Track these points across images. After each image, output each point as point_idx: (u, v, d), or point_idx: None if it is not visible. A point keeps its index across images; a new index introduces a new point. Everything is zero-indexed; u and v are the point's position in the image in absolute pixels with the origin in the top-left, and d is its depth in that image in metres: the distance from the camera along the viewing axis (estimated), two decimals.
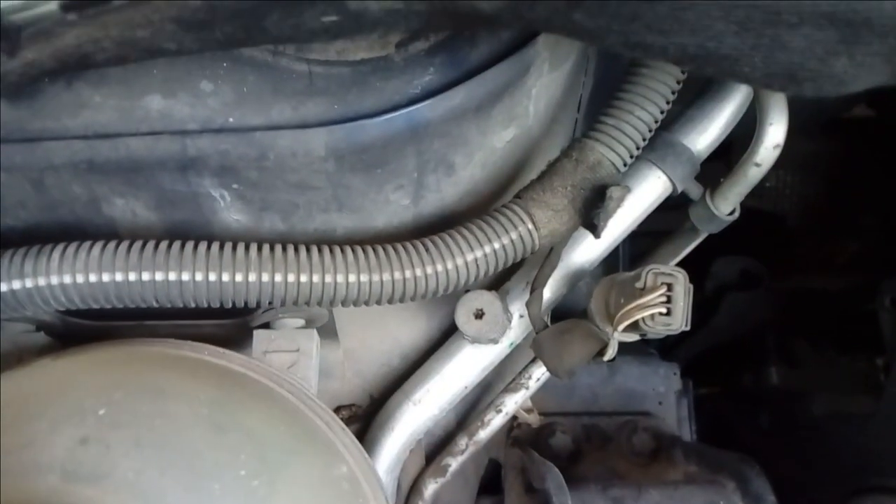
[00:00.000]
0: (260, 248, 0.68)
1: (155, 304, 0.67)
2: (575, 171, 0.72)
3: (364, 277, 0.68)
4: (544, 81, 0.74)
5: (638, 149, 0.73)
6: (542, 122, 0.79)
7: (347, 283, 0.68)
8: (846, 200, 1.31)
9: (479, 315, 0.80)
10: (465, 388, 0.86)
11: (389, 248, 0.70)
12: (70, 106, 0.63)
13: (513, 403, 0.87)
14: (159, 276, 0.65)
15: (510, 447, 0.98)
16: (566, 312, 0.87)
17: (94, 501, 0.53)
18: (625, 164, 0.73)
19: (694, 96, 0.82)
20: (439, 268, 0.69)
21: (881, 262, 1.20)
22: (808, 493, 0.99)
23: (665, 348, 1.20)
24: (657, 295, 0.67)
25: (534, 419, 1.01)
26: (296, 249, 0.68)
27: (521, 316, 0.84)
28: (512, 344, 0.85)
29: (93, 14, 0.48)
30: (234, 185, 0.68)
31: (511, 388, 0.87)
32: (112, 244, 0.66)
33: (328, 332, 0.80)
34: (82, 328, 0.75)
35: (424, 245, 0.70)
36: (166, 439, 0.57)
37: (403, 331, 0.90)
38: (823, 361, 1.23)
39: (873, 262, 1.24)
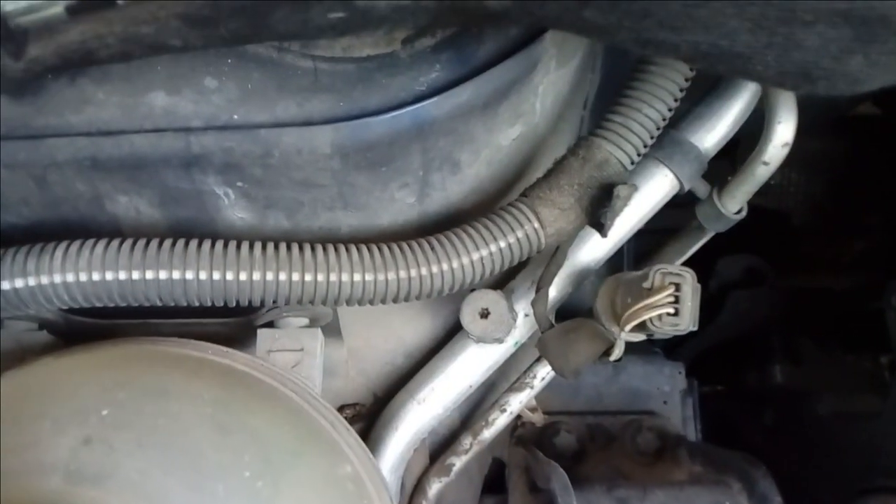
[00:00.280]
0: (264, 247, 0.67)
1: (158, 303, 0.67)
2: (582, 169, 0.71)
3: (369, 276, 0.67)
4: (551, 78, 0.73)
5: (645, 147, 0.73)
6: (549, 120, 0.79)
7: (352, 281, 0.67)
8: (852, 199, 1.30)
9: (485, 314, 0.80)
10: (470, 387, 0.86)
11: (394, 246, 0.69)
12: (73, 102, 0.62)
13: (517, 403, 0.87)
14: (163, 275, 0.65)
15: (514, 446, 0.98)
16: (571, 311, 0.86)
17: (97, 503, 0.52)
18: (632, 163, 0.72)
19: (702, 93, 0.82)
20: (444, 267, 0.69)
21: (886, 260, 1.19)
22: (814, 492, 0.99)
23: (669, 346, 1.19)
24: (665, 295, 0.67)
25: (538, 418, 1.00)
26: (300, 248, 0.68)
27: (527, 315, 0.83)
28: (517, 343, 0.85)
29: (97, 10, 0.47)
30: (239, 183, 0.67)
31: (516, 387, 0.87)
32: (115, 242, 0.66)
33: (332, 330, 0.80)
34: (85, 326, 0.75)
35: (430, 244, 0.69)
36: (170, 440, 0.57)
37: (408, 329, 0.90)
38: (828, 360, 1.23)
39: (878, 260, 1.23)
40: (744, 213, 0.85)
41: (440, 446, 0.93)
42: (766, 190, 0.83)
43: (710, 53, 0.48)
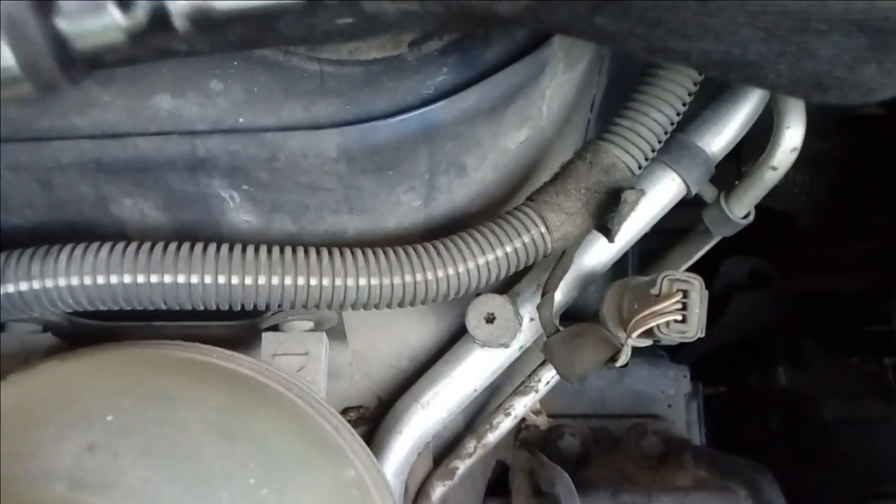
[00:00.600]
0: (269, 251, 0.67)
1: (163, 307, 0.66)
2: (589, 173, 0.70)
3: (374, 281, 0.67)
4: (559, 82, 0.73)
5: (653, 151, 0.72)
6: (556, 123, 0.78)
7: (358, 286, 0.67)
8: (857, 200, 1.29)
9: (490, 319, 0.79)
10: (475, 391, 0.86)
11: (400, 251, 0.69)
12: (78, 105, 0.62)
13: (522, 406, 0.87)
14: (168, 279, 0.64)
15: (518, 449, 0.98)
16: (576, 314, 0.86)
17: None
18: (640, 167, 0.72)
19: (709, 97, 0.81)
20: (450, 271, 0.68)
21: (892, 263, 1.18)
22: (819, 498, 0.98)
23: (673, 348, 1.19)
24: (672, 302, 0.66)
25: (542, 421, 1.00)
26: (306, 252, 0.67)
27: (532, 319, 0.83)
28: (522, 347, 0.84)
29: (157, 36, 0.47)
30: (244, 186, 0.67)
31: (520, 391, 0.86)
32: (120, 246, 0.65)
33: (337, 333, 0.80)
34: (90, 329, 0.75)
35: (436, 248, 0.69)
36: (175, 447, 0.56)
37: (412, 333, 0.89)
38: (832, 363, 1.23)
39: (884, 263, 1.23)
40: (751, 218, 0.84)
41: (444, 450, 0.93)
42: (770, 191, 0.83)
43: (722, 62, 0.47)
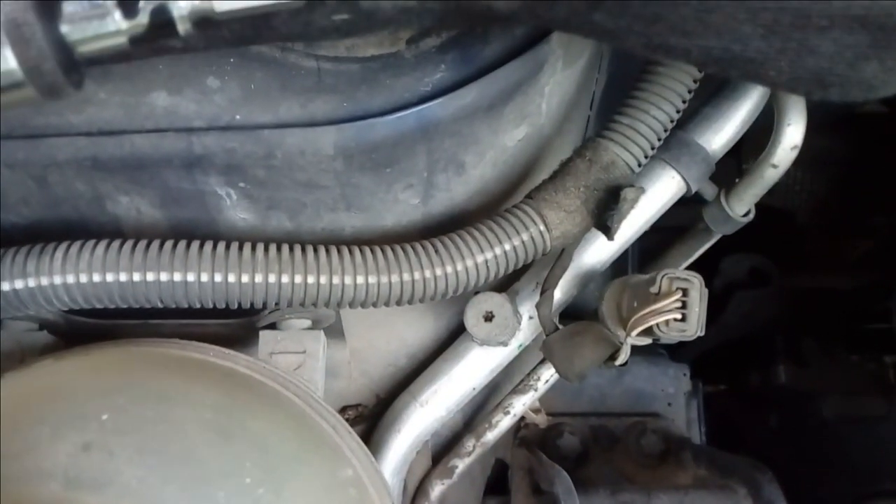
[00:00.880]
0: (266, 249, 0.66)
1: (159, 305, 0.66)
2: (588, 171, 0.70)
3: (372, 279, 0.67)
4: (558, 79, 0.72)
5: (653, 149, 0.72)
6: (555, 121, 0.78)
7: (355, 284, 0.66)
8: (857, 198, 1.29)
9: (489, 318, 0.79)
10: (473, 389, 0.85)
11: (398, 249, 0.68)
12: (74, 102, 0.62)
13: (521, 405, 0.86)
14: (164, 277, 0.64)
15: (517, 447, 0.98)
16: (575, 312, 0.86)
17: None
18: (639, 165, 0.72)
19: (709, 94, 0.81)
20: (449, 269, 0.68)
21: (892, 260, 1.18)
22: (819, 496, 0.98)
23: (672, 346, 1.19)
24: (672, 301, 0.66)
25: (541, 419, 1.00)
26: (303, 250, 0.67)
27: (531, 317, 0.82)
28: (521, 346, 0.84)
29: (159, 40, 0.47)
30: (241, 184, 0.66)
31: (519, 389, 0.86)
32: (116, 243, 0.65)
33: (335, 331, 0.79)
34: (86, 327, 0.74)
35: (434, 246, 0.69)
36: (170, 446, 0.56)
37: (410, 331, 0.89)
38: (832, 361, 1.22)
39: (884, 261, 1.22)
40: (751, 216, 0.84)
41: (443, 448, 0.93)
42: (771, 188, 0.82)
43: (722, 58, 0.47)
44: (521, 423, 1.00)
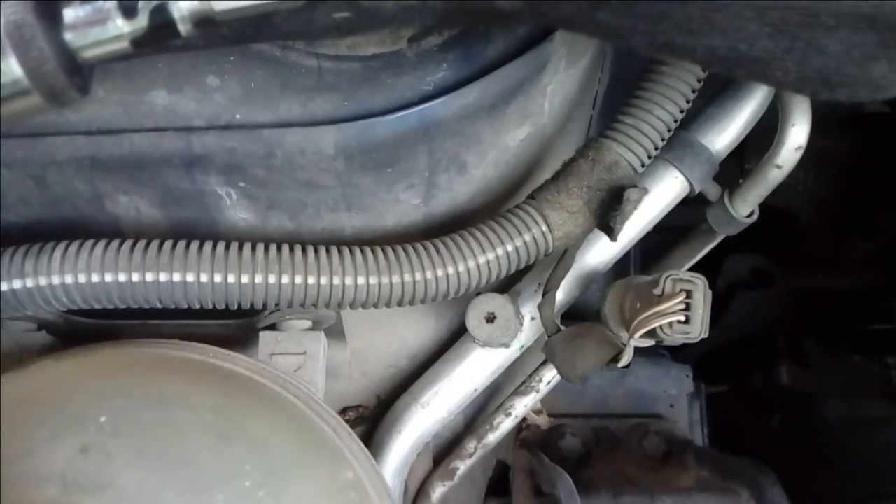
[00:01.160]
0: (267, 249, 0.66)
1: (158, 305, 0.66)
2: (591, 171, 0.69)
3: (373, 280, 0.66)
4: (560, 78, 0.72)
5: (656, 149, 0.71)
6: (557, 120, 0.77)
7: (356, 285, 0.66)
8: (860, 198, 1.28)
9: (491, 319, 0.78)
10: (475, 391, 0.85)
11: (399, 249, 0.68)
12: None
13: (522, 406, 0.86)
14: (163, 277, 0.64)
15: (518, 449, 0.97)
16: (578, 314, 0.85)
17: None
18: (643, 165, 0.71)
19: (713, 94, 0.80)
20: (450, 270, 0.67)
21: (895, 261, 1.18)
22: (821, 497, 0.97)
23: (675, 347, 1.18)
24: (676, 302, 0.65)
25: (543, 421, 0.99)
26: (303, 250, 0.66)
27: (533, 318, 0.82)
28: (523, 347, 0.84)
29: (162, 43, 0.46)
30: (241, 183, 0.66)
31: (521, 390, 0.86)
32: (115, 243, 0.64)
33: (335, 332, 0.79)
34: (85, 327, 0.74)
35: (435, 247, 0.68)
36: (169, 449, 0.55)
37: (411, 332, 0.89)
38: (834, 362, 1.22)
39: (887, 261, 1.22)
40: (755, 217, 0.83)
41: (444, 450, 0.93)
42: (774, 188, 0.82)
43: (728, 58, 0.46)
44: (523, 424, 1.00)
